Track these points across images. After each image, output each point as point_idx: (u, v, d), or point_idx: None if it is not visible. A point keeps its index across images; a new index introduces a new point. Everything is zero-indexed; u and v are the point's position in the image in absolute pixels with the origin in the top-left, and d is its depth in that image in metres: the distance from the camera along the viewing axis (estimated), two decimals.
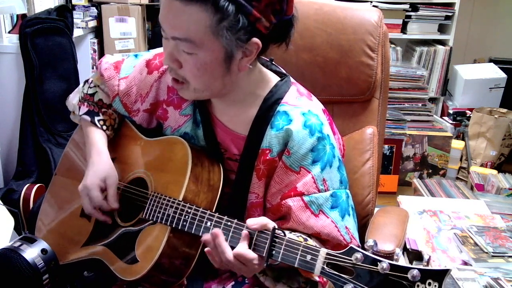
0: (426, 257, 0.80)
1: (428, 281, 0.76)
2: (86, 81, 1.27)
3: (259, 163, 1.06)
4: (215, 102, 1.11)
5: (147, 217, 1.06)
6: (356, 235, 1.09)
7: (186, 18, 0.92)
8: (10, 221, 1.39)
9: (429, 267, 0.78)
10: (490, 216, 1.95)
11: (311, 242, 1.02)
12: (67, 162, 1.33)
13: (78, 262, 1.16)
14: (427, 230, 1.80)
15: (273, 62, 1.13)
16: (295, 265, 0.88)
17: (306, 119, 1.04)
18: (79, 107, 1.24)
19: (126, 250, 1.06)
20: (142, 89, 1.17)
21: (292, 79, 1.11)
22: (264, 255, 0.91)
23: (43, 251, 0.98)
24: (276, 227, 0.92)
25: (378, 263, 0.79)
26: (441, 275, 0.76)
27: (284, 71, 1.13)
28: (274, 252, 0.90)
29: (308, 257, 0.86)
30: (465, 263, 1.62)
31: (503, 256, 1.63)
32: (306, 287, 1.04)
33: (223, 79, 1.00)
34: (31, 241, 0.99)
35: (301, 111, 1.05)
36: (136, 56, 1.22)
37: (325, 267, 0.85)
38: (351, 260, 0.82)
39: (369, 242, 0.83)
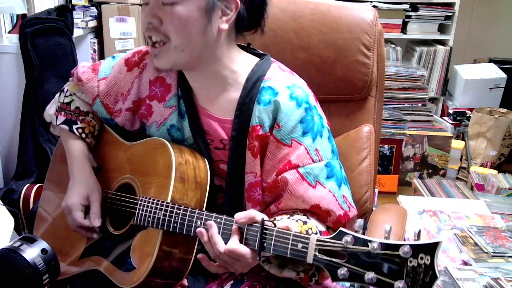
0: (416, 230, 0.79)
1: (420, 255, 0.76)
2: (62, 90, 1.26)
3: (252, 140, 1.05)
4: (198, 87, 1.11)
5: (138, 222, 1.05)
6: (353, 203, 1.10)
7: None
8: (10, 221, 1.39)
9: (420, 242, 0.77)
10: (490, 216, 1.95)
11: (311, 223, 1.02)
12: (53, 176, 1.31)
13: (78, 275, 1.15)
14: (427, 230, 1.80)
15: (250, 46, 1.14)
16: (288, 255, 0.87)
17: (291, 91, 1.05)
18: (56, 117, 1.22)
19: (122, 258, 1.06)
20: (123, 87, 1.16)
21: (272, 58, 1.12)
22: (256, 248, 0.90)
23: (43, 251, 0.97)
24: (266, 218, 0.92)
25: (369, 243, 0.79)
26: (432, 248, 0.76)
27: (263, 52, 1.14)
28: (265, 244, 0.89)
29: (299, 245, 0.86)
30: (465, 263, 1.62)
31: (503, 256, 1.63)
32: (311, 268, 1.03)
33: (203, 36, 1.00)
34: (31, 241, 0.98)
35: (285, 84, 1.06)
36: (113, 57, 1.22)
37: (317, 254, 0.84)
38: (341, 243, 0.81)
39: (358, 223, 0.82)
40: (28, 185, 2.10)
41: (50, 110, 1.27)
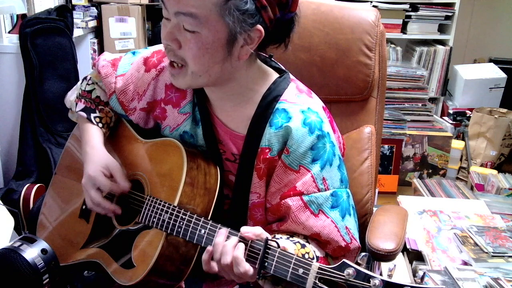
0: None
1: None
2: (85, 78, 1.26)
3: (259, 162, 1.05)
4: (214, 99, 1.10)
5: (143, 221, 1.05)
6: (356, 235, 1.08)
7: None
8: (10, 221, 1.39)
9: (423, 285, 0.76)
10: (490, 216, 1.95)
11: (310, 247, 1.01)
12: (66, 161, 1.32)
13: (77, 264, 1.16)
14: (427, 230, 1.80)
15: (272, 59, 1.12)
16: (288, 279, 0.86)
17: (305, 116, 1.02)
18: (76, 104, 1.23)
19: (123, 253, 1.06)
20: (139, 87, 1.16)
21: (291, 76, 1.10)
22: (256, 266, 0.89)
23: (43, 251, 0.98)
24: (270, 238, 0.91)
25: (371, 279, 0.77)
26: None
27: (283, 68, 1.12)
28: (266, 264, 0.88)
29: (300, 270, 0.85)
30: (465, 263, 1.62)
31: (503, 256, 1.63)
32: None
33: (222, 64, 0.98)
34: (31, 241, 0.99)
35: (300, 108, 1.03)
36: (133, 53, 1.21)
37: (317, 282, 0.83)
38: (343, 275, 0.80)
39: (362, 256, 0.81)
40: (28, 185, 2.11)
41: (71, 96, 1.27)
